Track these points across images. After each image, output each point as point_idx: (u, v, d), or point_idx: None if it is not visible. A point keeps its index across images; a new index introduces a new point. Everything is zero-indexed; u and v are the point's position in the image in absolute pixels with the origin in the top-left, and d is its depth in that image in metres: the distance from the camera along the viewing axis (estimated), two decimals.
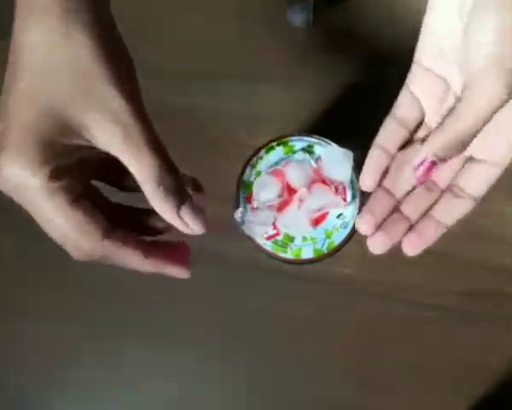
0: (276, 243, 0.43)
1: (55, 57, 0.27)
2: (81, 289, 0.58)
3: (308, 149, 0.45)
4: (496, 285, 0.57)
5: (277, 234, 0.43)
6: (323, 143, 0.44)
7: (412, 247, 0.37)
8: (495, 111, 0.31)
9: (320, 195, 0.43)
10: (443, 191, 0.38)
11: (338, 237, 0.43)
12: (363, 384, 0.56)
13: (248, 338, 0.57)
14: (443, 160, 0.33)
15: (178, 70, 0.61)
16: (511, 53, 0.30)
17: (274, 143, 0.45)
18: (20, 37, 0.29)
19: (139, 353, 0.57)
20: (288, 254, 0.43)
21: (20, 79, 0.27)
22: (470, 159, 0.37)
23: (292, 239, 0.43)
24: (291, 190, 0.43)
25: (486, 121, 0.32)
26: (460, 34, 0.32)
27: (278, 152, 0.45)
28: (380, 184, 0.38)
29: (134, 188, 0.32)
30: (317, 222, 0.43)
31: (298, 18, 0.58)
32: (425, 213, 0.38)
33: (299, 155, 0.44)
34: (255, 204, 0.44)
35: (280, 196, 0.43)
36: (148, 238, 0.34)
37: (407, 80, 0.38)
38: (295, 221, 0.43)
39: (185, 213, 0.32)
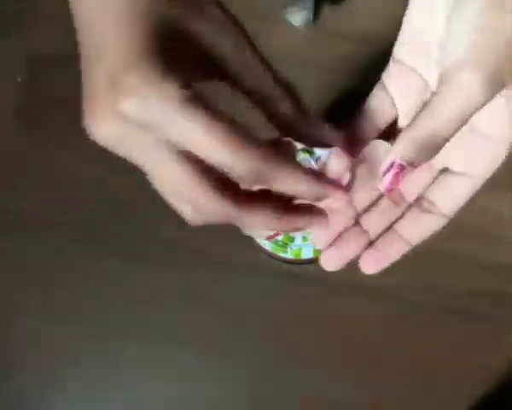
0: (276, 243, 0.43)
1: None
2: (81, 289, 0.58)
3: (308, 150, 0.45)
4: (495, 285, 0.57)
5: (277, 234, 0.43)
6: None
7: (370, 264, 0.33)
8: (473, 111, 0.28)
9: None
10: (410, 206, 0.33)
11: None
12: (363, 384, 0.56)
13: (248, 338, 0.57)
14: (412, 164, 0.29)
15: None
16: (492, 48, 0.27)
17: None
18: None
19: (139, 353, 0.57)
20: (288, 254, 0.43)
21: (125, 3, 0.25)
22: (445, 170, 0.32)
23: (292, 239, 0.43)
24: None
25: (463, 122, 0.28)
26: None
27: None
28: None
29: None
30: None
31: (298, 18, 0.58)
32: (388, 229, 0.33)
33: (299, 156, 0.44)
34: None
35: None
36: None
37: (383, 77, 0.33)
38: None
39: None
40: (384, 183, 0.29)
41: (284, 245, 0.43)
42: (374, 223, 0.33)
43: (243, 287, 0.57)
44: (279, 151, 0.26)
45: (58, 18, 0.62)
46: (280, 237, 0.43)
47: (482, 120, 0.29)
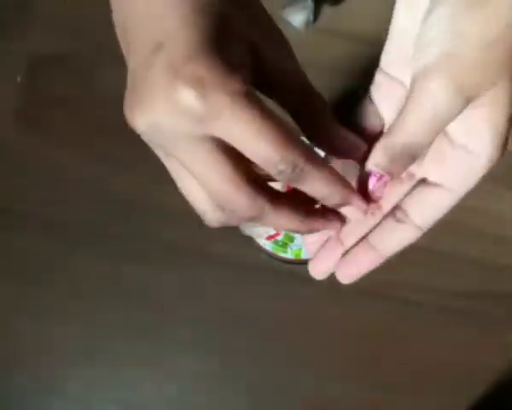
0: (276, 243, 0.43)
1: None
2: (81, 288, 0.58)
3: None
4: (496, 285, 0.57)
5: (277, 234, 0.43)
6: None
7: (344, 275, 0.32)
8: (442, 120, 0.27)
9: None
10: (386, 215, 0.32)
11: None
12: (363, 384, 0.56)
13: (248, 338, 0.57)
14: (390, 174, 0.28)
15: None
16: (459, 56, 0.26)
17: None
18: None
19: (139, 353, 0.57)
20: (288, 254, 0.43)
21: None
22: (423, 181, 0.31)
23: (292, 239, 0.43)
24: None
25: (434, 131, 0.27)
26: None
27: None
28: None
29: None
30: None
31: (297, 18, 0.58)
32: (362, 238, 0.32)
33: None
34: None
35: None
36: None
37: (370, 89, 0.32)
38: None
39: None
40: (368, 193, 0.29)
41: (284, 245, 0.43)
42: (348, 231, 0.32)
43: (243, 287, 0.57)
44: (316, 152, 0.27)
45: (58, 18, 0.62)
46: (280, 237, 0.43)
47: (461, 132, 0.28)
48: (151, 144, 0.25)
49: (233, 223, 0.27)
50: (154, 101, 0.23)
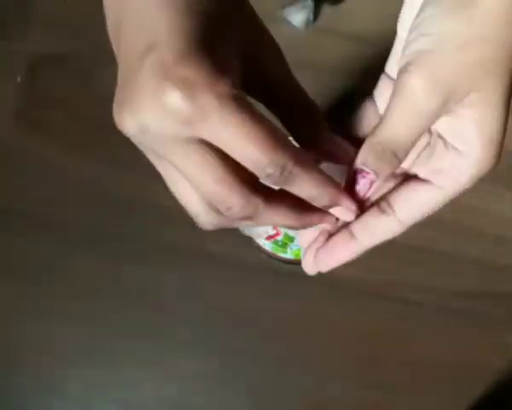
0: (276, 243, 0.43)
1: None
2: (81, 288, 0.58)
3: None
4: (496, 285, 0.57)
5: (277, 234, 0.43)
6: None
7: (322, 264, 0.32)
8: (423, 118, 0.27)
9: None
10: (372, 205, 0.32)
11: None
12: (362, 384, 0.56)
13: (248, 338, 0.57)
14: (376, 171, 0.28)
15: None
16: (438, 54, 0.26)
17: None
18: None
19: (139, 353, 0.57)
20: (288, 254, 0.43)
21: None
22: (414, 177, 0.31)
23: (292, 239, 0.43)
24: None
25: (417, 129, 0.27)
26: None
27: None
28: None
29: None
30: None
31: (297, 18, 0.58)
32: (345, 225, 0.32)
33: None
34: None
35: None
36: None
37: (374, 93, 0.33)
38: None
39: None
40: (352, 191, 0.29)
41: (284, 245, 0.43)
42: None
43: (243, 287, 0.57)
44: (305, 154, 0.27)
45: (58, 18, 0.62)
46: (280, 237, 0.43)
47: (450, 132, 0.28)
48: (142, 147, 0.25)
49: (226, 225, 0.27)
50: (143, 103, 0.23)
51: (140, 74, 0.23)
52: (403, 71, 0.27)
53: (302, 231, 0.32)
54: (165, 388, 0.57)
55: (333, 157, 0.30)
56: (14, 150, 0.58)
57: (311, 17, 0.58)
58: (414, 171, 0.31)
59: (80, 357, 0.57)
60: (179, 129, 0.23)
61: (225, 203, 0.25)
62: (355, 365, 0.57)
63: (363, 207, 0.30)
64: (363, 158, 0.29)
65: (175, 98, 0.22)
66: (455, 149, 0.28)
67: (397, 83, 0.28)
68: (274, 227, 0.43)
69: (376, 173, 0.29)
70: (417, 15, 0.28)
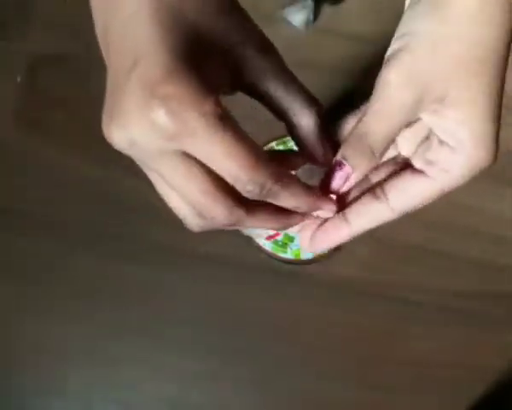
0: (276, 243, 0.43)
1: None
2: (81, 288, 0.58)
3: None
4: (496, 285, 0.57)
5: (277, 234, 0.43)
6: None
7: (313, 246, 0.33)
8: (401, 110, 0.28)
9: None
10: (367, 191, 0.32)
11: None
12: (362, 384, 0.56)
13: (248, 338, 0.57)
14: (354, 165, 0.29)
15: None
16: (411, 49, 0.28)
17: (274, 143, 0.45)
18: None
19: (139, 353, 0.57)
20: (288, 254, 0.43)
21: (164, 14, 0.25)
22: (409, 166, 0.31)
23: (292, 239, 0.43)
24: None
25: (392, 121, 0.28)
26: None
27: None
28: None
29: None
30: None
31: (297, 18, 0.58)
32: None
33: None
34: None
35: None
36: None
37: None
38: None
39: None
40: (327, 183, 0.30)
41: (284, 245, 0.43)
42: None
43: (243, 287, 0.57)
44: (285, 171, 0.28)
45: (58, 18, 0.62)
46: (280, 237, 0.43)
47: (441, 130, 0.29)
48: (131, 157, 0.26)
49: (213, 228, 0.28)
50: (130, 118, 0.24)
51: (127, 88, 0.24)
52: (383, 68, 0.29)
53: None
54: (165, 388, 0.57)
55: (326, 165, 0.31)
56: (14, 150, 0.58)
57: (311, 17, 0.58)
58: (412, 161, 0.31)
59: (80, 357, 0.57)
60: (165, 143, 0.24)
61: (209, 213, 0.26)
62: (355, 365, 0.57)
63: (342, 200, 0.32)
64: (343, 151, 0.29)
65: (161, 116, 0.23)
66: (447, 145, 0.29)
67: (377, 79, 0.29)
68: None
69: (353, 167, 0.29)
70: (402, 17, 0.29)
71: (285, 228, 0.30)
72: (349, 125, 0.32)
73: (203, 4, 0.26)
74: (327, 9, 0.59)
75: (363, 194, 0.32)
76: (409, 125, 0.30)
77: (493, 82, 0.28)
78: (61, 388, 0.57)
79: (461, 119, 0.28)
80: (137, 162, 0.27)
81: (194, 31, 0.25)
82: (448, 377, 0.56)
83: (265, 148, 0.45)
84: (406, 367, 0.56)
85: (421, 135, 0.30)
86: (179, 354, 0.57)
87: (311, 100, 0.30)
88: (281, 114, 0.29)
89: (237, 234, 0.43)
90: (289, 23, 0.59)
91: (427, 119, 0.29)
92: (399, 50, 0.28)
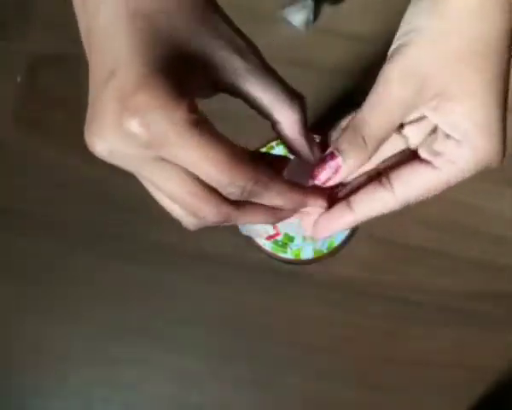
0: (276, 243, 0.43)
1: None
2: (81, 288, 0.58)
3: None
4: (496, 285, 0.57)
5: (277, 234, 0.43)
6: None
7: (317, 232, 0.33)
8: (399, 111, 0.29)
9: None
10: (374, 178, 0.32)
11: (338, 237, 0.43)
12: (362, 384, 0.56)
13: (248, 338, 0.57)
14: (344, 157, 0.29)
15: None
16: (418, 46, 0.28)
17: (274, 143, 0.45)
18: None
19: (139, 353, 0.57)
20: (288, 254, 0.43)
21: (138, 23, 0.26)
22: (415, 156, 0.31)
23: (292, 239, 0.43)
24: None
25: (390, 120, 0.29)
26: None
27: (278, 152, 0.45)
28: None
29: None
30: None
31: (297, 17, 0.58)
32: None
33: None
34: None
35: None
36: None
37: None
38: (295, 221, 0.43)
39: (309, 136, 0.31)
40: (317, 174, 0.30)
41: (284, 245, 0.43)
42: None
43: (243, 287, 0.57)
44: (269, 171, 0.28)
45: (58, 18, 0.62)
46: (279, 237, 0.43)
47: (447, 125, 0.29)
48: (116, 165, 0.27)
49: (208, 225, 0.28)
50: (107, 129, 0.25)
51: (103, 97, 0.25)
52: (385, 63, 0.29)
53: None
54: (165, 388, 0.57)
55: (308, 158, 0.31)
56: (14, 150, 0.58)
57: (311, 17, 0.58)
58: (419, 152, 0.31)
59: (80, 357, 0.57)
60: (143, 152, 0.25)
61: (198, 213, 0.27)
62: (355, 365, 0.57)
63: (331, 192, 0.32)
64: (337, 142, 0.30)
65: (134, 126, 0.24)
66: (453, 138, 0.29)
67: (378, 74, 0.29)
68: (274, 227, 0.43)
69: (343, 157, 0.30)
70: (405, 13, 0.30)
71: (277, 222, 0.31)
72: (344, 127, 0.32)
73: (177, 8, 0.27)
74: (327, 9, 0.59)
75: (369, 182, 0.32)
76: (416, 121, 0.30)
77: (495, 80, 0.28)
78: (61, 388, 0.57)
79: (463, 111, 0.28)
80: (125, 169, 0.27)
81: (169, 37, 0.26)
82: (448, 377, 0.56)
83: (265, 148, 0.45)
84: (406, 367, 0.56)
85: (429, 128, 0.31)
86: (179, 354, 0.57)
87: (291, 95, 0.30)
88: (262, 113, 0.30)
89: (237, 234, 0.43)
90: (289, 23, 0.59)
91: (430, 115, 0.29)
92: (401, 46, 0.29)
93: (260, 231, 0.43)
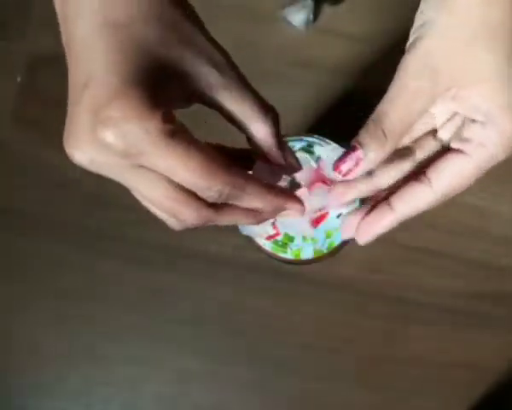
0: (276, 243, 0.43)
1: (140, 9, 0.27)
2: (81, 289, 0.58)
3: (308, 149, 0.45)
4: (496, 285, 0.57)
5: (277, 234, 0.43)
6: (323, 143, 0.44)
7: (361, 236, 0.34)
8: (419, 102, 0.30)
9: (321, 195, 0.43)
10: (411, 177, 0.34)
11: (338, 237, 0.43)
12: (362, 384, 0.56)
13: (248, 338, 0.57)
14: (364, 149, 0.30)
15: None
16: (431, 39, 0.30)
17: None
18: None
19: (139, 353, 0.57)
20: (288, 255, 0.43)
21: (113, 34, 0.26)
22: (449, 149, 0.33)
23: (292, 239, 0.43)
24: None
25: (409, 112, 0.30)
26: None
27: None
28: None
29: None
30: (316, 222, 0.43)
31: (297, 18, 0.58)
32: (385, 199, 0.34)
33: (299, 155, 0.44)
34: None
35: None
36: None
37: None
38: (295, 221, 0.43)
39: (285, 147, 0.32)
40: (339, 166, 0.31)
41: (284, 245, 0.43)
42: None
43: (243, 287, 0.57)
44: (245, 174, 0.29)
45: (57, 18, 0.62)
46: (279, 237, 0.43)
47: (471, 110, 0.31)
48: (97, 173, 0.28)
49: (190, 227, 0.29)
50: (83, 140, 0.26)
51: (78, 109, 0.25)
52: (402, 57, 0.31)
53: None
54: (165, 388, 0.57)
55: (286, 172, 0.33)
56: (14, 150, 0.58)
57: (311, 17, 0.58)
58: (451, 145, 0.32)
59: (80, 357, 0.57)
60: (120, 160, 0.26)
61: (179, 216, 0.28)
62: (355, 365, 0.57)
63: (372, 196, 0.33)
64: (359, 136, 0.31)
65: (108, 137, 0.25)
66: (478, 121, 0.31)
67: (403, 63, 0.31)
68: (274, 227, 0.43)
69: (364, 150, 0.30)
70: (417, 9, 0.31)
71: (258, 223, 0.31)
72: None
73: (153, 19, 0.27)
74: (327, 9, 0.59)
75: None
76: (447, 121, 0.32)
77: (508, 60, 0.29)
78: (61, 388, 0.57)
79: (481, 94, 0.30)
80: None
81: (144, 48, 0.26)
82: (448, 377, 0.56)
83: None
84: (406, 367, 0.56)
85: (459, 122, 0.32)
86: (179, 354, 0.57)
87: (265, 109, 0.30)
88: (237, 125, 0.30)
89: (237, 234, 0.43)
90: (289, 23, 0.59)
91: (451, 106, 0.31)
92: (415, 40, 0.30)
93: (260, 232, 0.43)
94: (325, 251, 0.43)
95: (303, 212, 0.33)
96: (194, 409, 0.57)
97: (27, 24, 0.59)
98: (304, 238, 0.43)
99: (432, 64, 0.29)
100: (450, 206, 0.56)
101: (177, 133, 0.26)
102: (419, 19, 0.31)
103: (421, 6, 0.31)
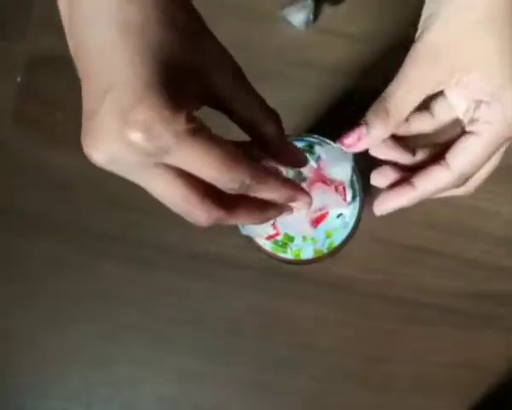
0: (276, 243, 0.43)
1: (155, 12, 0.27)
2: (81, 289, 0.58)
3: (308, 149, 0.45)
4: (496, 285, 0.57)
5: (277, 234, 0.43)
6: (323, 142, 0.44)
7: (379, 207, 0.37)
8: (421, 91, 0.33)
9: (321, 194, 0.43)
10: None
11: (338, 237, 0.43)
12: (363, 384, 0.56)
13: (248, 338, 0.57)
14: (368, 126, 0.34)
15: None
16: (437, 29, 0.33)
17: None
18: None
19: (139, 353, 0.57)
20: (288, 255, 0.43)
21: (134, 37, 0.27)
22: (465, 132, 0.36)
23: (292, 239, 0.43)
24: None
25: (412, 99, 0.33)
26: None
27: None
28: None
29: None
30: (316, 222, 0.43)
31: (297, 18, 0.58)
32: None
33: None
34: None
35: None
36: None
37: None
38: (295, 221, 0.43)
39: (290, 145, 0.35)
40: (343, 139, 0.35)
41: (284, 245, 0.43)
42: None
43: (243, 287, 0.57)
44: (263, 166, 0.31)
45: (58, 18, 0.62)
46: (280, 237, 0.43)
47: (477, 92, 0.33)
48: (113, 172, 0.29)
49: (200, 226, 0.31)
50: (108, 142, 0.26)
51: (102, 112, 0.26)
52: (412, 46, 0.34)
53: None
54: (165, 388, 0.57)
55: (291, 165, 0.36)
56: (14, 150, 0.58)
57: (311, 17, 0.58)
58: (465, 129, 0.35)
59: (80, 357, 0.57)
60: (144, 159, 0.27)
61: (191, 216, 0.29)
62: (355, 365, 0.57)
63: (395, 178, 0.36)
64: (366, 115, 0.34)
65: (137, 139, 0.26)
66: (484, 102, 0.33)
67: (412, 53, 0.34)
68: (274, 227, 0.43)
69: (368, 127, 0.34)
70: (424, 3, 0.34)
71: (263, 222, 0.34)
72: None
73: (169, 26, 0.28)
74: (327, 9, 0.59)
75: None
76: (466, 106, 0.34)
77: (508, 41, 0.32)
78: (61, 388, 0.57)
79: (483, 77, 0.33)
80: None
81: (164, 52, 0.27)
82: (448, 377, 0.56)
83: None
84: (406, 367, 0.56)
85: (472, 107, 0.35)
86: (179, 354, 0.57)
87: (270, 112, 0.33)
88: (247, 127, 0.32)
89: (237, 234, 0.43)
90: (289, 23, 0.59)
91: (456, 92, 0.34)
92: (422, 31, 0.33)
93: (260, 232, 0.43)
94: (325, 251, 0.43)
95: (310, 204, 0.35)
96: (194, 409, 0.57)
97: (27, 24, 0.59)
98: (304, 238, 0.43)
99: (435, 52, 0.33)
100: (450, 206, 0.56)
101: (200, 131, 0.27)
102: (425, 11, 0.34)
103: (427, 0, 0.34)
